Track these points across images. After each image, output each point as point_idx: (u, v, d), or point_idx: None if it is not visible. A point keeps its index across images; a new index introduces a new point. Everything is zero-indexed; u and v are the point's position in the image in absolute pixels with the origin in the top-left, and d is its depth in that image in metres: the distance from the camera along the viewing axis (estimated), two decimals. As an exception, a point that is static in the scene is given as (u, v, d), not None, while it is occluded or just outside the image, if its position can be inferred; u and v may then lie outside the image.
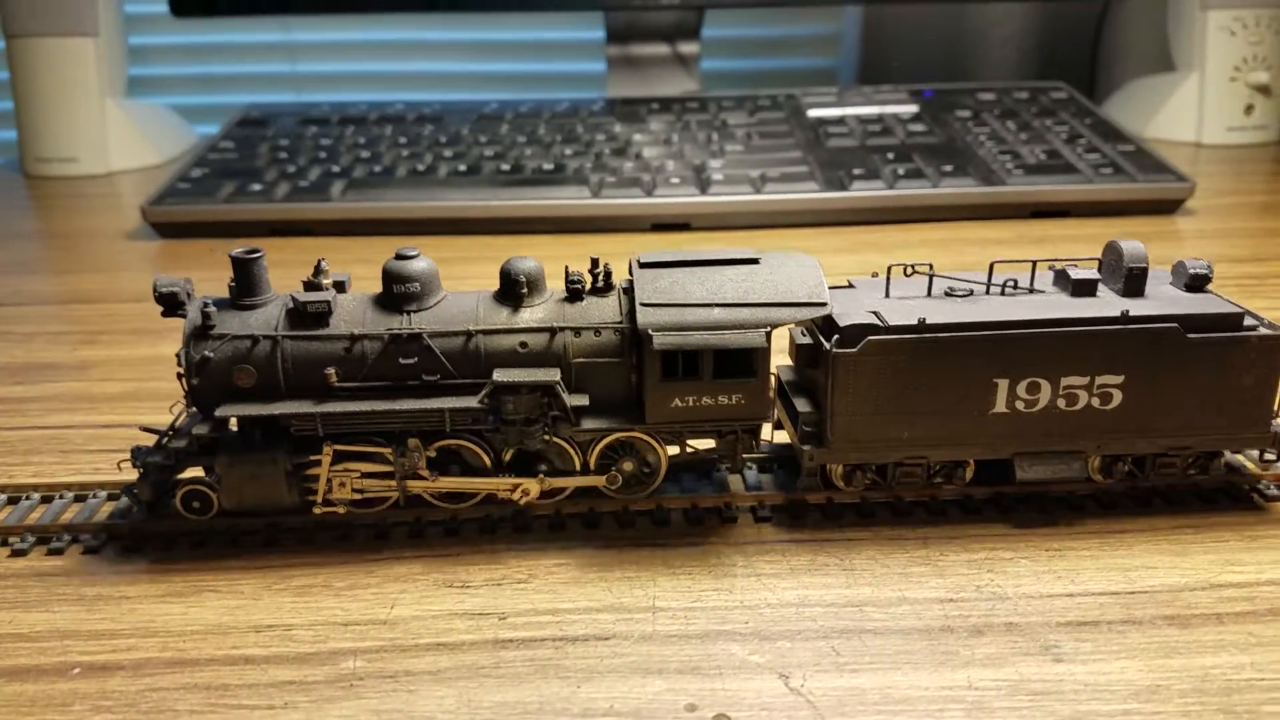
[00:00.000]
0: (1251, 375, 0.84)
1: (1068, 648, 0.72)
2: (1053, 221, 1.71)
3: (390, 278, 0.83)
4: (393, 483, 0.84)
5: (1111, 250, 0.88)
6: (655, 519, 0.89)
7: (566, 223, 1.69)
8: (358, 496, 0.84)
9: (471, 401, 0.81)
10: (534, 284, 0.84)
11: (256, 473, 0.82)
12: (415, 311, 0.83)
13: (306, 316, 0.82)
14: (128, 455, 0.86)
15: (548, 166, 1.77)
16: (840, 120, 1.96)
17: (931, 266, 0.89)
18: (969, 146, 1.83)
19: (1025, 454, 0.85)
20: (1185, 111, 2.23)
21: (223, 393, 0.82)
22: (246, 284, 0.84)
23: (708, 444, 0.90)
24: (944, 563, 0.82)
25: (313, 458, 0.83)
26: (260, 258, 0.84)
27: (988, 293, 0.87)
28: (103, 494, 0.92)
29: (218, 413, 0.81)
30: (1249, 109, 2.21)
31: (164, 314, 0.85)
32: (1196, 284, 0.87)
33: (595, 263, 0.86)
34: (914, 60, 2.59)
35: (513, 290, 0.84)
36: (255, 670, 0.71)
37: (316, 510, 0.85)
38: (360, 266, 1.52)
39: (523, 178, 1.73)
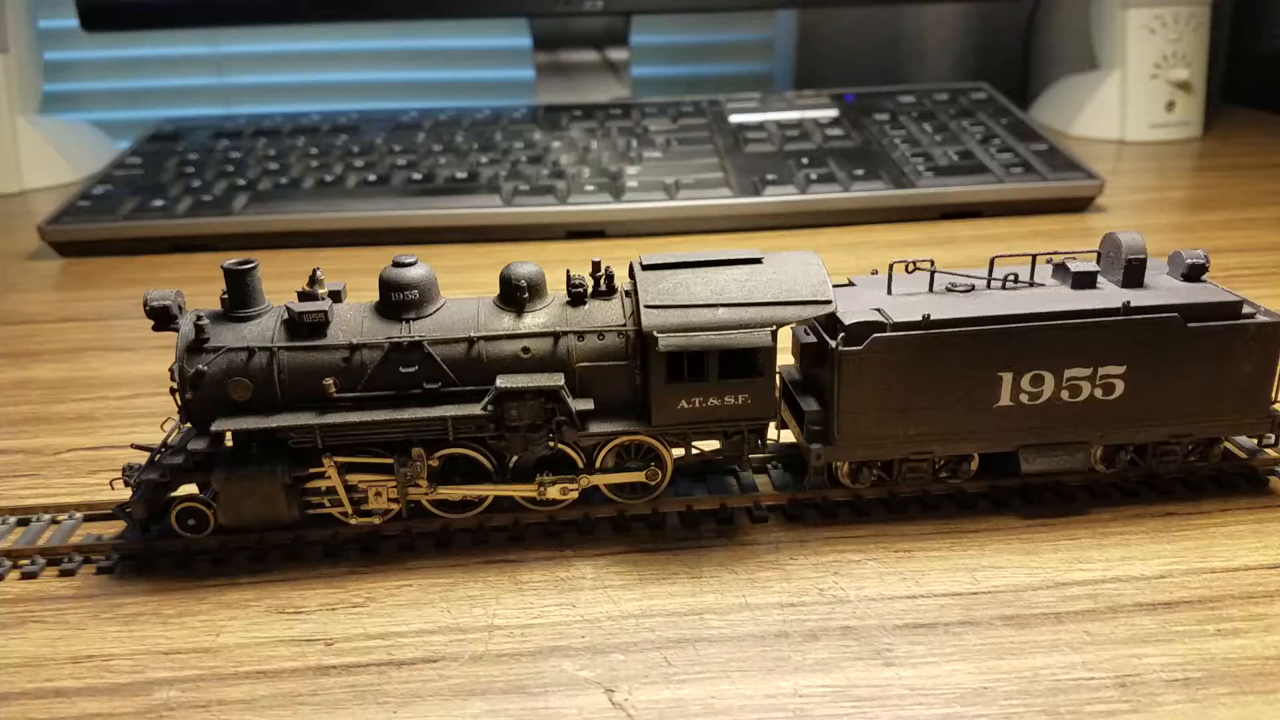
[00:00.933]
0: (1250, 362, 0.86)
1: (900, 651, 0.70)
2: (963, 222, 1.71)
3: (388, 286, 0.82)
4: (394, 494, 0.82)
5: (1110, 242, 0.89)
6: (511, 535, 0.87)
7: (478, 232, 1.68)
8: (395, 507, 0.84)
9: (474, 409, 0.80)
10: (535, 288, 0.84)
11: (255, 487, 0.81)
12: (414, 319, 0.82)
13: (303, 327, 0.81)
14: (119, 474, 0.84)
15: (461, 175, 1.75)
16: (760, 126, 1.95)
17: (933, 263, 0.89)
18: (884, 150, 1.82)
19: (1029, 446, 0.86)
20: (1108, 110, 2.24)
21: (218, 406, 0.81)
22: (240, 295, 0.83)
23: (710, 447, 0.90)
24: (792, 566, 0.81)
25: (312, 470, 0.82)
26: (253, 269, 0.83)
27: (989, 287, 0.88)
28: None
29: (214, 427, 0.80)
30: (1170, 106, 2.22)
31: (155, 328, 0.83)
32: (1193, 274, 0.88)
33: (596, 266, 0.85)
34: (850, 66, 2.59)
35: (513, 295, 0.83)
36: (64, 703, 0.68)
37: (352, 521, 0.84)
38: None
39: (434, 187, 1.72)
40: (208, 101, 2.66)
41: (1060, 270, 0.90)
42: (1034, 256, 0.89)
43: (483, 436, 0.83)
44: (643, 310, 0.82)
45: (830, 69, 2.59)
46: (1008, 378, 0.83)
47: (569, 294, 0.85)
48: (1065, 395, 0.84)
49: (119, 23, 2.04)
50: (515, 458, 0.84)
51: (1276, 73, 2.48)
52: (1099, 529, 0.85)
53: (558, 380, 0.81)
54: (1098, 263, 0.90)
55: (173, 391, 0.82)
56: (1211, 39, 2.25)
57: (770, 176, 1.73)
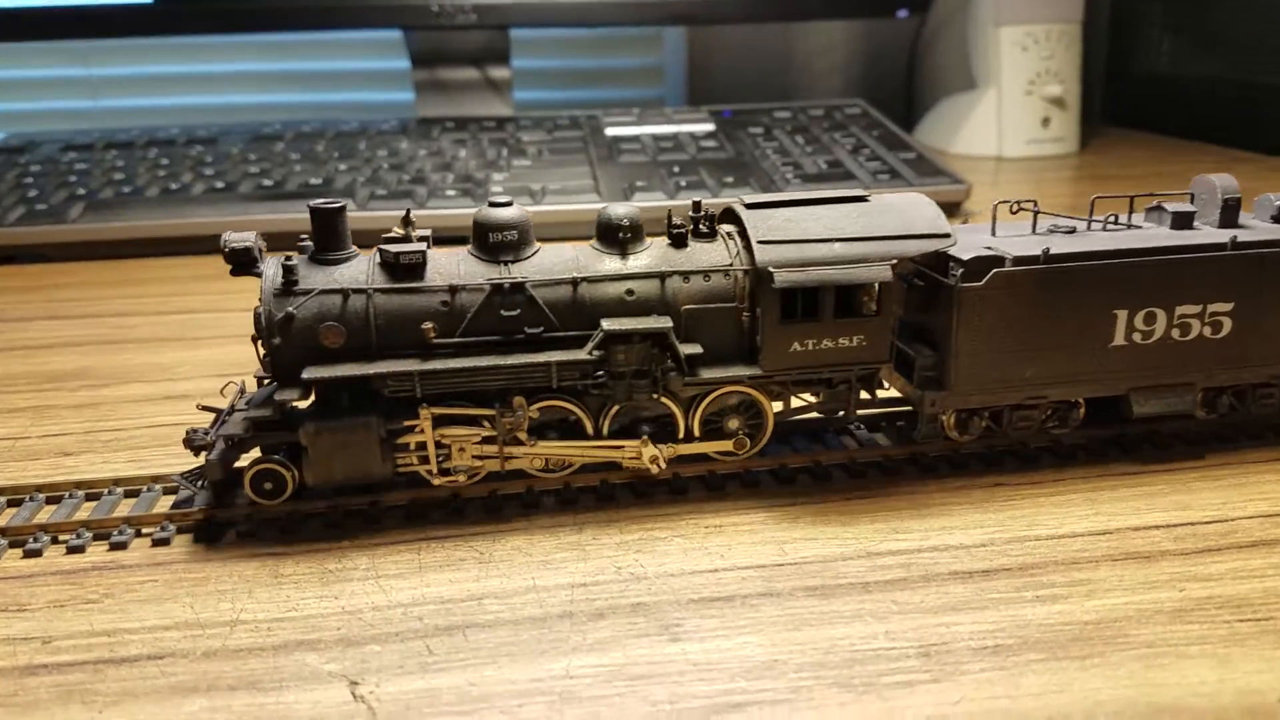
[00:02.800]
0: None
1: (689, 625, 0.64)
2: None
3: (485, 227, 0.79)
4: (493, 449, 0.78)
5: (1203, 184, 0.89)
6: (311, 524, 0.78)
7: (333, 239, 1.59)
8: (478, 465, 0.79)
9: (580, 353, 0.76)
10: (636, 229, 0.80)
11: (348, 440, 0.76)
12: (513, 262, 0.78)
13: (399, 269, 0.77)
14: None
15: (315, 181, 1.68)
16: (636, 139, 1.92)
17: (1036, 204, 0.87)
18: (754, 160, 1.81)
19: (1140, 389, 0.84)
20: (986, 127, 2.28)
21: (306, 355, 0.76)
22: (328, 237, 0.78)
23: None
24: (593, 546, 0.74)
25: (406, 423, 0.77)
26: (343, 208, 0.78)
27: (1089, 229, 0.86)
28: None
29: (306, 374, 0.74)
30: (1045, 122, 2.27)
31: (234, 272, 0.78)
32: None
33: (697, 206, 0.82)
34: (740, 89, 2.60)
35: (613, 237, 0.80)
36: None
37: (436, 482, 0.79)
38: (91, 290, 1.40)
39: (284, 192, 1.63)
40: (80, 123, 2.54)
41: (1156, 212, 0.90)
42: (1132, 198, 0.89)
43: (585, 386, 0.79)
44: (755, 246, 0.78)
45: (721, 92, 2.60)
46: (1122, 315, 0.82)
47: (670, 236, 0.81)
48: (1176, 334, 0.83)
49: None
50: (615, 409, 0.79)
51: (1150, 93, 2.55)
52: (921, 499, 0.80)
53: (665, 322, 0.77)
54: (1191, 203, 0.91)
55: (255, 340, 0.77)
56: (1086, 57, 2.31)
57: (640, 183, 1.69)
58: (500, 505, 0.80)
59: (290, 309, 0.75)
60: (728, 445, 0.82)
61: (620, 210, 0.80)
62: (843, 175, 1.72)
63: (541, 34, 2.51)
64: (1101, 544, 0.73)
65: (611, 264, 0.79)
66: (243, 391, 0.85)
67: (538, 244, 0.81)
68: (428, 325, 0.76)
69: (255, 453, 0.79)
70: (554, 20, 2.10)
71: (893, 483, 0.83)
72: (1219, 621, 0.63)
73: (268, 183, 1.67)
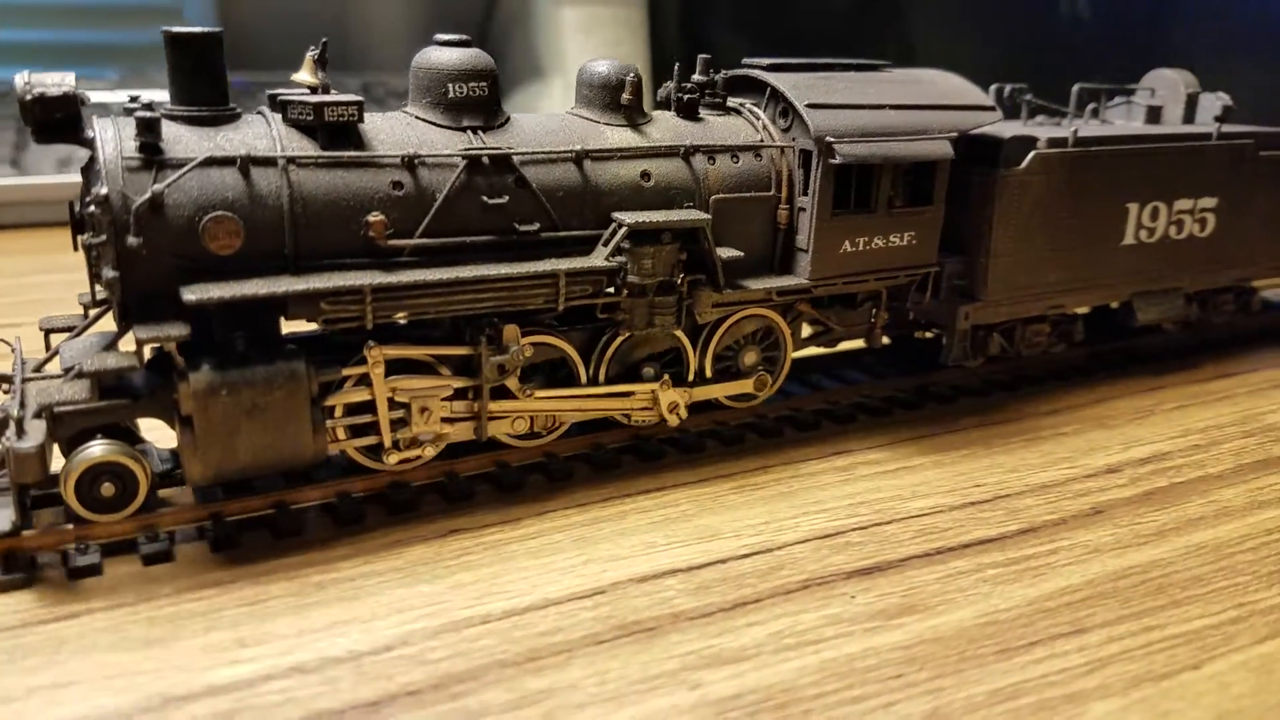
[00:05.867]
0: None
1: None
2: None
3: (442, 76, 0.52)
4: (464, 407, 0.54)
5: (1161, 80, 0.89)
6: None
7: None
8: (447, 430, 0.54)
9: (596, 259, 0.53)
10: (639, 91, 0.59)
11: (263, 402, 0.47)
12: (482, 129, 0.52)
13: (326, 131, 0.48)
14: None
15: None
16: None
17: (1030, 91, 0.84)
18: None
19: (1141, 294, 0.83)
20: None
21: (175, 269, 0.47)
22: (200, 80, 0.50)
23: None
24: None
25: (347, 371, 0.50)
26: (218, 35, 0.50)
27: (1071, 119, 0.85)
28: None
29: (189, 296, 0.45)
30: None
31: (43, 136, 0.48)
32: (1225, 115, 0.87)
33: (707, 64, 0.62)
34: (287, 50, 2.22)
35: (613, 100, 0.57)
36: None
37: (388, 460, 0.53)
38: None
39: None
40: None
41: (1124, 107, 0.90)
42: (1103, 91, 0.89)
43: (595, 308, 0.57)
44: (805, 111, 0.59)
45: (264, 52, 2.20)
46: (1134, 209, 0.80)
47: (677, 103, 0.61)
48: (1173, 232, 0.82)
49: None
50: (620, 342, 0.58)
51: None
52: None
53: (702, 216, 0.56)
54: (1151, 98, 0.90)
55: (88, 250, 0.49)
56: (663, 48, 2.33)
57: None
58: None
59: (156, 189, 0.46)
60: (746, 386, 0.66)
61: (615, 66, 0.59)
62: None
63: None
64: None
65: (618, 135, 0.58)
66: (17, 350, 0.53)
67: (505, 112, 0.57)
68: (376, 217, 0.50)
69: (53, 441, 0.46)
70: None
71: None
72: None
73: None
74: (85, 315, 0.54)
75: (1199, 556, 0.56)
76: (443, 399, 0.54)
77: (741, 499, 0.59)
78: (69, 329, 0.53)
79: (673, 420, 0.62)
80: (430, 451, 0.55)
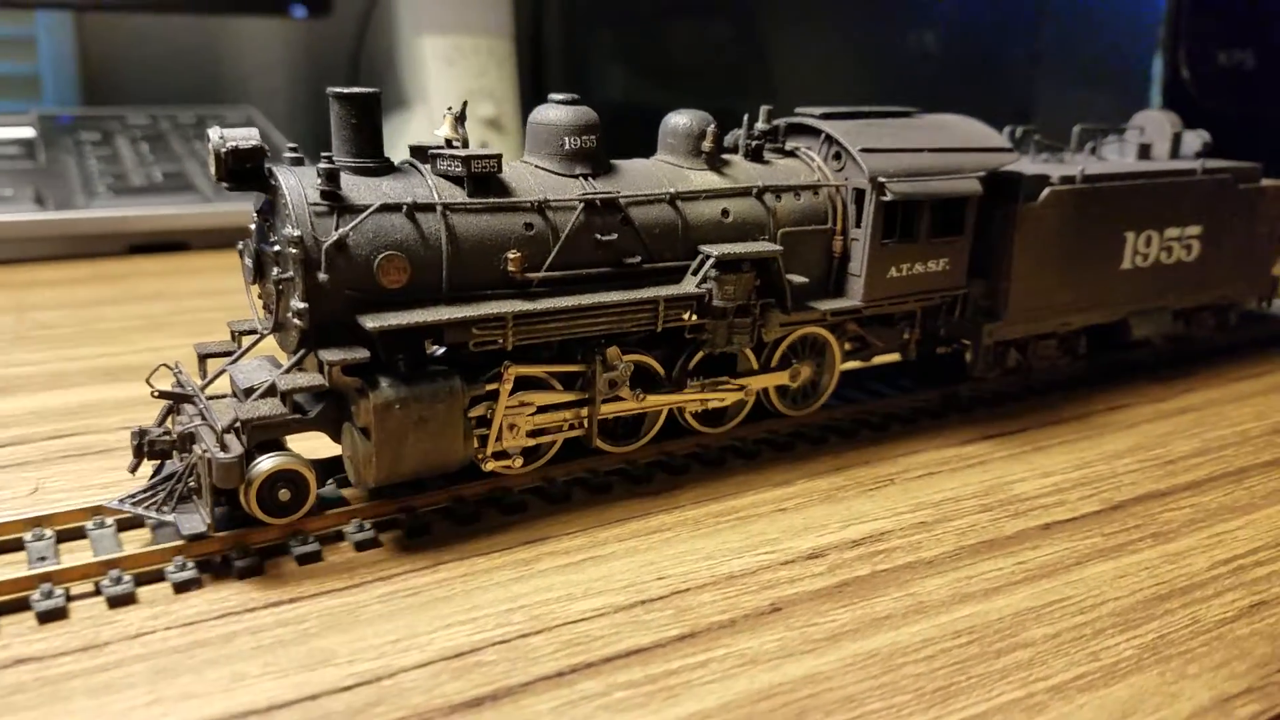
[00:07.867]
0: (1267, 224, 0.97)
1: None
2: (157, 257, 1.46)
3: (559, 130, 0.60)
4: (567, 416, 0.61)
5: (1149, 120, 1.00)
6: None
7: None
8: (531, 443, 0.60)
9: (690, 286, 0.62)
10: (719, 141, 0.69)
11: (426, 414, 0.53)
12: (592, 176, 0.61)
13: (471, 180, 0.56)
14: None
15: None
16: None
17: (1037, 132, 0.94)
18: (66, 170, 1.55)
19: (1135, 313, 0.93)
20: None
21: (349, 300, 0.55)
22: (363, 136, 0.56)
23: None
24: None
25: (489, 387, 0.56)
26: (378, 95, 0.56)
27: (1074, 155, 0.96)
28: None
29: (370, 324, 0.51)
30: (484, 146, 2.05)
31: (231, 185, 0.56)
32: (1206, 151, 0.99)
33: (750, 120, 0.71)
34: (155, 82, 2.17)
35: (695, 147, 0.67)
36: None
37: (486, 467, 0.58)
38: None
39: None
40: None
41: (1116, 144, 1.01)
42: (1099, 131, 1.01)
43: (684, 329, 0.66)
44: (859, 155, 0.70)
45: (129, 84, 2.15)
46: (1131, 237, 0.89)
47: (746, 148, 0.71)
48: (1163, 257, 0.92)
49: None
50: (700, 357, 0.68)
51: (608, 119, 2.65)
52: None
53: (775, 246, 0.66)
54: (1138, 136, 1.00)
55: (276, 284, 0.55)
56: (536, 79, 2.06)
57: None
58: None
59: (341, 231, 0.54)
60: (783, 378, 0.75)
61: (699, 115, 0.69)
62: (182, 187, 1.58)
63: None
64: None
65: (701, 178, 0.68)
66: (179, 371, 0.61)
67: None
68: (515, 254, 0.58)
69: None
70: None
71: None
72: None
73: None
74: (236, 341, 0.61)
75: (864, 669, 0.51)
76: (558, 410, 0.62)
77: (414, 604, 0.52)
78: (226, 354, 0.60)
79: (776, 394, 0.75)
80: (519, 462, 0.63)
